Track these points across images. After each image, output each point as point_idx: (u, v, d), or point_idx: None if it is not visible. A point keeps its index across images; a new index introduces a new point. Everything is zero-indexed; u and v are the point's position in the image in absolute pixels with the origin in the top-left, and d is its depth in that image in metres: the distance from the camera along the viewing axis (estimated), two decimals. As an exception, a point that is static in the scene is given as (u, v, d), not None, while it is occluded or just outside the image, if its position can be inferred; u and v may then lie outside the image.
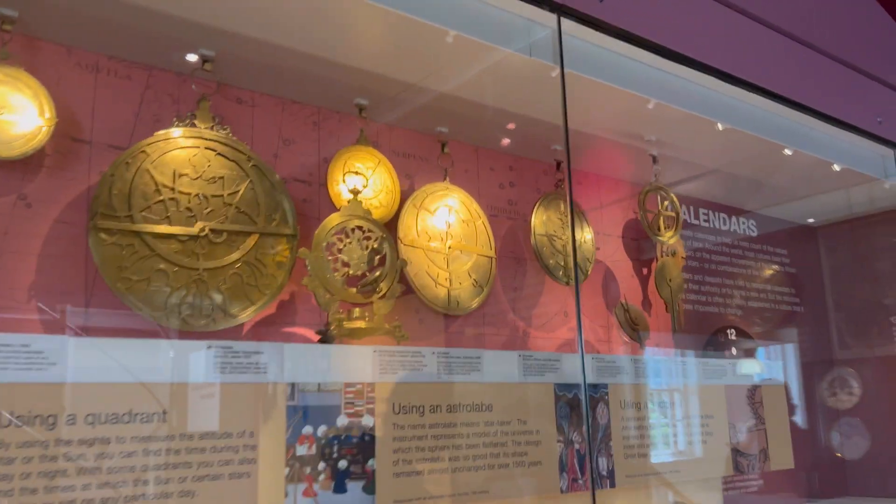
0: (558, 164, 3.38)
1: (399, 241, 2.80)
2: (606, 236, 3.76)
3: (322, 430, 2.01)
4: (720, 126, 3.01)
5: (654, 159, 3.37)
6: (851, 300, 4.94)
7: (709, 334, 4.13)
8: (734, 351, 4.21)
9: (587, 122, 3.22)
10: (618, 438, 2.72)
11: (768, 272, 4.65)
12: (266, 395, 1.94)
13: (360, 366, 2.14)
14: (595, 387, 2.72)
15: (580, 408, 2.63)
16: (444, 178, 3.08)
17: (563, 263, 3.25)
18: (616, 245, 3.80)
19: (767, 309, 4.58)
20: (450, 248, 2.98)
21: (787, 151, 3.27)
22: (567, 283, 3.27)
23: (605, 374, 2.74)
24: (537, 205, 3.25)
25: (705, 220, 4.33)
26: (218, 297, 2.23)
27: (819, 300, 4.98)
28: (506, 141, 3.31)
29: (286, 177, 2.70)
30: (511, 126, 3.41)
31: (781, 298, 4.71)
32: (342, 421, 2.06)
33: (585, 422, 2.53)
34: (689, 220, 4.22)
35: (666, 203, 3.48)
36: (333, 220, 2.45)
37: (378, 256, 2.49)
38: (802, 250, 4.98)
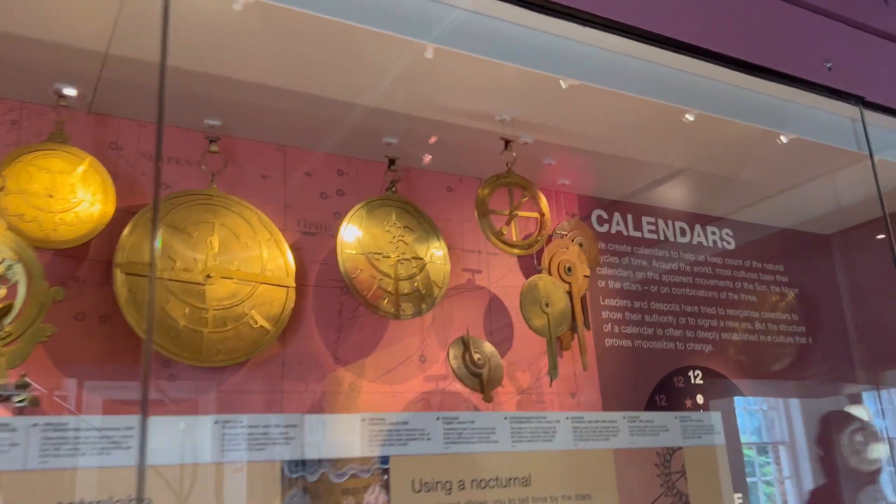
0: (391, 161, 2.58)
1: (116, 269, 2.07)
2: (491, 255, 2.89)
3: None
4: (563, 83, 2.14)
5: (506, 144, 2.51)
6: (881, 327, 3.82)
7: (658, 378, 3.15)
8: (699, 399, 3.20)
9: (438, 106, 2.43)
10: (404, 539, 1.84)
11: (757, 295, 3.63)
12: None
13: None
14: (369, 461, 1.85)
15: (333, 495, 1.77)
16: (210, 185, 2.33)
17: (390, 290, 2.41)
18: (509, 266, 2.92)
19: (756, 343, 3.54)
20: (209, 277, 2.21)
21: (689, 117, 2.35)
22: (397, 317, 2.42)
23: (381, 440, 1.88)
24: (351, 214, 2.45)
25: (651, 231, 3.39)
26: None
27: (836, 328, 3.88)
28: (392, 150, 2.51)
29: (-46, 192, 2.03)
30: (398, 140, 2.68)
31: (778, 328, 3.66)
32: None
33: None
34: (624, 233, 3.29)
35: (524, 199, 2.59)
36: (-69, 236, 1.74)
37: (5, 287, 1.75)
38: (808, 265, 3.91)
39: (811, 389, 3.68)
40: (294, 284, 2.37)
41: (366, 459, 1.85)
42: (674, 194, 3.41)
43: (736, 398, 3.30)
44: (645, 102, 2.40)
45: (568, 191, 3.14)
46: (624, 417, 2.30)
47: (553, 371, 2.47)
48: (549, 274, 2.66)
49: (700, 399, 3.20)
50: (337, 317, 2.52)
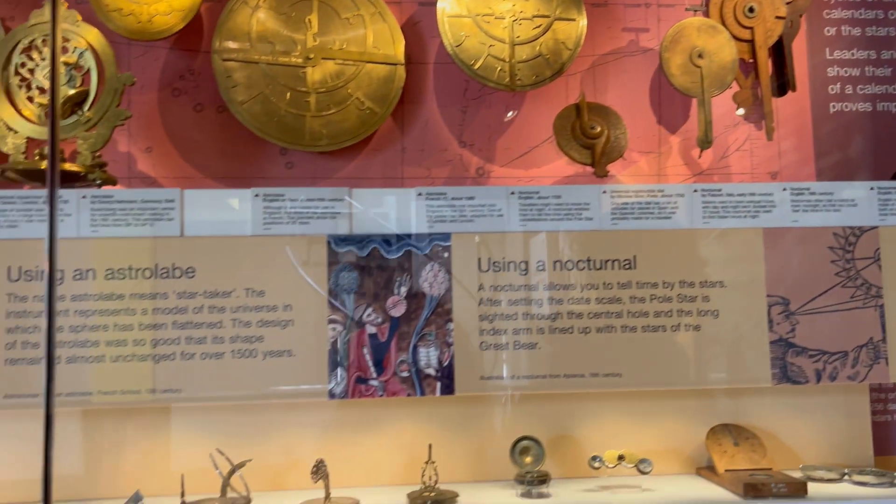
0: None
1: (213, 56, 2.07)
2: (664, 7, 2.35)
3: None
4: None
5: None
6: None
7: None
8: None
9: None
10: (468, 319, 1.67)
11: None
12: None
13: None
14: (427, 238, 1.69)
15: (385, 272, 1.66)
16: (308, -39, 2.18)
17: (504, 57, 2.08)
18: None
19: None
20: (309, 59, 2.12)
21: None
22: (512, 88, 2.09)
23: (439, 216, 1.68)
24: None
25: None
26: None
27: None
28: None
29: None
30: None
31: None
32: None
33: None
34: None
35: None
36: (19, 32, 1.86)
37: (81, 74, 1.84)
38: None
39: None
40: (403, 62, 2.18)
41: (422, 236, 1.68)
42: None
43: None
44: None
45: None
46: (784, 189, 1.77)
47: (704, 140, 1.98)
48: (720, 18, 2.09)
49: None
50: (462, 97, 2.29)
